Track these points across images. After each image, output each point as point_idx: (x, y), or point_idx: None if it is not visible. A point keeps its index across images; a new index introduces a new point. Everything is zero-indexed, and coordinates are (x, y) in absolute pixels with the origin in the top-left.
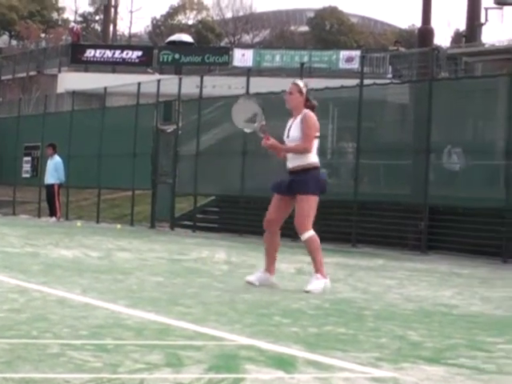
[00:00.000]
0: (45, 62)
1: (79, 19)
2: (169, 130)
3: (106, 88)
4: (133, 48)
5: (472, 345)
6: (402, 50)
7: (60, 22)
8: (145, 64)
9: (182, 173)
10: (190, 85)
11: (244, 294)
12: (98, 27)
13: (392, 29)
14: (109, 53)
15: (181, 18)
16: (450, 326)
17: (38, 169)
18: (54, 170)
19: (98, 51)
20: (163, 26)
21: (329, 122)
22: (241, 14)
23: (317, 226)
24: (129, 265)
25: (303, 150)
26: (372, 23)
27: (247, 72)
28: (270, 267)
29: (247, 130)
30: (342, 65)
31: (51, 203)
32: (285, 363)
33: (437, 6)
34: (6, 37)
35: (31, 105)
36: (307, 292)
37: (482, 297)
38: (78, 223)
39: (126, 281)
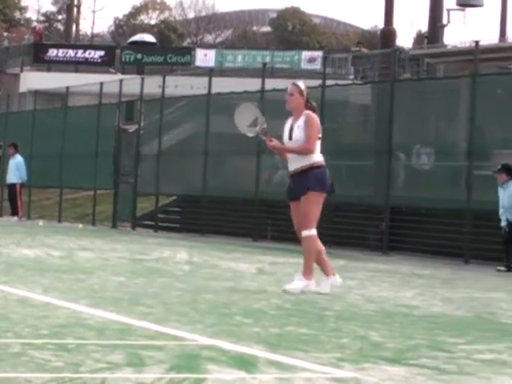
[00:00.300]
0: (7, 61)
1: (42, 19)
2: (131, 130)
3: (68, 88)
4: (95, 48)
5: (433, 345)
6: (365, 50)
7: (22, 22)
8: (107, 64)
9: (143, 172)
10: (152, 85)
11: (205, 294)
12: (60, 27)
13: (354, 30)
14: (71, 52)
15: (143, 18)
16: (412, 327)
17: (0, 168)
18: (16, 169)
19: (61, 51)
20: (126, 25)
21: None
22: (203, 14)
23: (282, 227)
24: (90, 264)
25: (306, 151)
26: (334, 24)
27: (209, 72)
28: (327, 272)
29: (250, 135)
30: (304, 65)
31: (13, 202)
32: (246, 363)
33: (399, 7)
34: None
35: None
36: (286, 292)
37: (443, 297)
38: (40, 222)
39: (87, 280)
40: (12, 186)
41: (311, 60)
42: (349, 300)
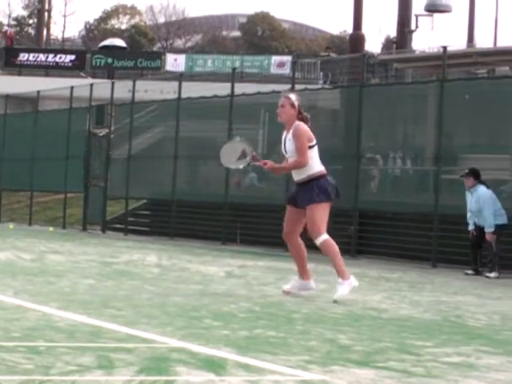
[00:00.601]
0: None
1: (13, 23)
2: (101, 134)
3: (39, 92)
4: (66, 52)
5: (401, 348)
6: (333, 55)
7: None
8: (78, 68)
9: (113, 176)
10: (122, 89)
11: (175, 297)
12: (31, 31)
13: (323, 35)
14: (42, 56)
15: (114, 23)
16: (380, 330)
17: None
18: None
19: (32, 55)
20: (96, 30)
21: (260, 127)
22: (173, 19)
23: (252, 231)
24: (61, 267)
25: (299, 165)
26: (304, 29)
27: (179, 77)
28: (303, 274)
29: (242, 166)
30: (274, 70)
31: None
32: (215, 366)
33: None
34: None
35: None
36: (335, 302)
37: (411, 301)
38: (11, 225)
39: (58, 283)
40: None
41: (280, 65)
42: (317, 303)
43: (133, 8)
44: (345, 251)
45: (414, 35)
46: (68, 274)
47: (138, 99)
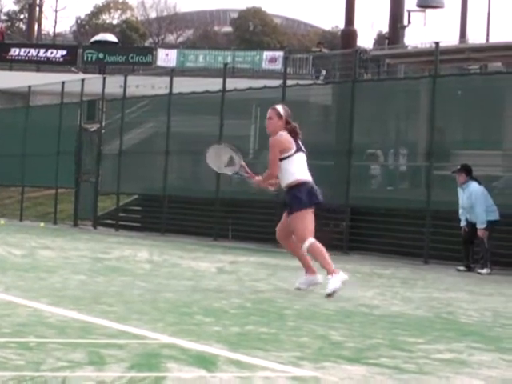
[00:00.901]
0: None
1: (4, 18)
2: (92, 129)
3: (30, 87)
4: (57, 47)
5: (393, 345)
6: (325, 51)
7: None
8: (69, 63)
9: (105, 172)
10: (113, 84)
11: (166, 293)
12: (22, 26)
13: (315, 30)
14: (33, 51)
15: (105, 18)
16: (371, 326)
17: None
18: None
19: (23, 50)
20: (88, 25)
21: (252, 122)
22: (165, 14)
23: (243, 226)
24: (52, 263)
25: (269, 176)
26: (295, 24)
27: (171, 72)
28: (308, 270)
29: (230, 173)
30: (266, 65)
31: None
32: (206, 362)
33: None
34: None
35: None
36: (330, 295)
37: (403, 297)
38: (1, 221)
39: (49, 279)
40: None
41: (272, 60)
42: (309, 299)
43: (124, 3)
44: (337, 247)
45: (407, 31)
46: (59, 269)
47: (130, 94)
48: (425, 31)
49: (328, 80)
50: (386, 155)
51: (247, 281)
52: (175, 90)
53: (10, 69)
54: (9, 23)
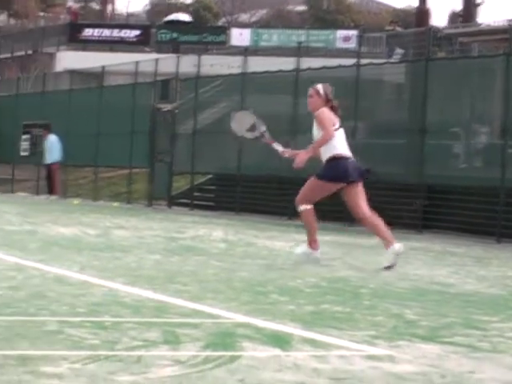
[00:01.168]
0: (43, 40)
1: None
2: (166, 109)
3: (103, 67)
4: (131, 27)
5: (467, 323)
6: (399, 29)
7: (58, 1)
8: (142, 43)
9: (179, 151)
10: (187, 64)
11: (241, 272)
12: (96, 6)
13: (387, 8)
14: (107, 32)
15: None
16: (445, 305)
17: (37, 147)
18: (48, 150)
19: (96, 30)
20: (161, 4)
21: None
22: None
23: (318, 205)
24: (126, 243)
25: (324, 139)
26: (369, 3)
27: (244, 51)
28: (385, 241)
29: (250, 137)
30: (339, 44)
31: (50, 181)
32: (281, 341)
33: None
34: (4, 15)
35: (29, 83)
36: (295, 256)
37: (477, 275)
38: (76, 201)
39: (123, 259)
40: (48, 166)
41: (346, 39)
42: (383, 278)
43: None
44: (410, 226)
45: (480, 8)
46: (134, 249)
47: (203, 74)
48: (499, 8)
49: (402, 59)
50: (463, 133)
51: (322, 260)
52: (249, 70)
53: (84, 49)
54: (82, 4)
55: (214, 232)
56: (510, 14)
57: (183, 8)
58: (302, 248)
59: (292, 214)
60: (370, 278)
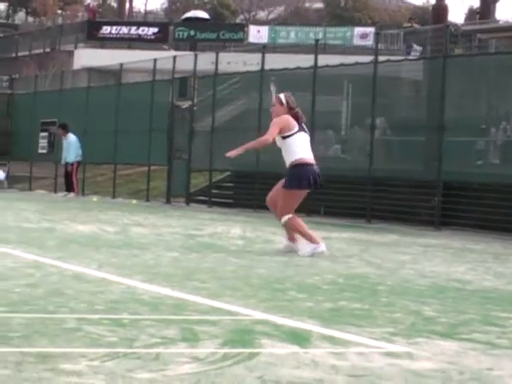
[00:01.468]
0: (61, 38)
1: None
2: (184, 106)
3: (121, 64)
4: (148, 24)
5: (485, 320)
6: (416, 26)
7: None
8: (160, 40)
9: (197, 148)
10: (205, 61)
11: (259, 269)
12: (113, 4)
13: (406, 5)
14: (125, 29)
15: None
16: (464, 302)
17: (54, 144)
18: (68, 149)
19: (114, 28)
20: (179, 2)
21: (343, 99)
22: None
23: (335, 202)
24: (145, 240)
25: (263, 141)
26: (386, 0)
27: (262, 48)
28: (292, 237)
29: None
30: (357, 41)
31: (68, 180)
32: (299, 338)
33: None
34: (22, 13)
35: (47, 81)
36: (301, 255)
37: (496, 272)
38: (94, 198)
39: (141, 256)
40: (67, 165)
41: (363, 36)
42: (401, 275)
43: None
44: (428, 223)
45: (498, 5)
46: (152, 246)
47: (221, 71)
48: None
49: (419, 56)
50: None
51: (340, 257)
52: (267, 67)
53: (102, 47)
54: (100, 1)
55: (232, 229)
56: None
57: (201, 5)
58: (307, 248)
59: (310, 211)
60: (387, 274)
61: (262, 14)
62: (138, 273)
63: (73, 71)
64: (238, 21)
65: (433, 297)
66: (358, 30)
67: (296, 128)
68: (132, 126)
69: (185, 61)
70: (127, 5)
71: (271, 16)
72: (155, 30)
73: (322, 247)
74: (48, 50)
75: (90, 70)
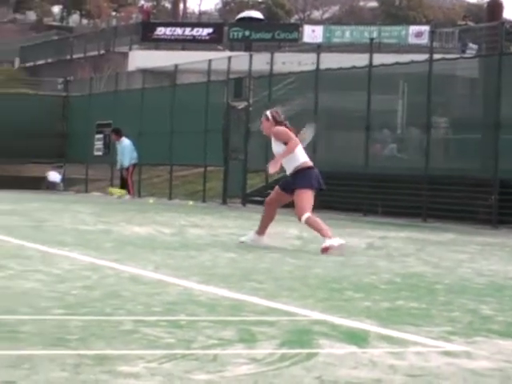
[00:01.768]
0: (115, 40)
1: None
2: (240, 107)
3: (176, 65)
4: (203, 25)
5: None
6: (471, 24)
7: (130, 1)
8: (215, 41)
9: (253, 149)
10: (260, 61)
11: (316, 269)
12: (168, 5)
13: (460, 3)
14: (179, 30)
15: None
16: None
17: (110, 146)
18: (122, 153)
19: (168, 29)
20: (233, 2)
21: (399, 97)
22: None
23: (392, 201)
24: (201, 241)
25: (290, 148)
26: None
27: (317, 48)
28: (262, 230)
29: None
30: (412, 40)
31: (123, 183)
32: (357, 338)
33: None
34: (76, 16)
35: (102, 83)
36: (324, 250)
37: None
38: (151, 200)
39: (198, 257)
40: (122, 170)
41: (418, 34)
42: (459, 273)
43: None
44: (485, 221)
45: None
46: (208, 247)
47: (276, 71)
48: None
49: (474, 53)
50: None
51: (397, 256)
52: (322, 66)
53: (156, 48)
54: (154, 3)
55: (289, 229)
56: None
57: (255, 5)
58: (331, 241)
59: (367, 210)
60: (444, 273)
61: (316, 14)
62: (194, 274)
63: (127, 73)
64: (292, 20)
65: (490, 295)
66: (413, 28)
67: (294, 135)
68: (187, 127)
69: (240, 61)
70: (181, 6)
71: (326, 15)
72: (210, 30)
73: (340, 240)
74: (102, 52)
75: (145, 72)
